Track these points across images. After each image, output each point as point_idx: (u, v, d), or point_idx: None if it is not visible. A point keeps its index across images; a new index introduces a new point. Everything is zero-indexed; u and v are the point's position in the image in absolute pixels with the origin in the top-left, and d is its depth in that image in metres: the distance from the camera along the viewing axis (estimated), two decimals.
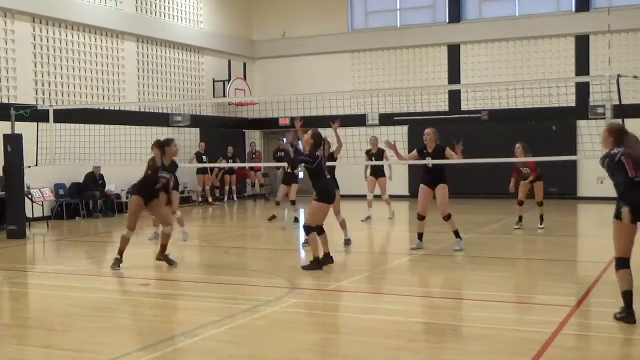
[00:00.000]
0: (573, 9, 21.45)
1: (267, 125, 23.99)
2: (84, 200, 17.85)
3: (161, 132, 17.70)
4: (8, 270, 10.29)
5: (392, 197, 16.30)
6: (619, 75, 10.75)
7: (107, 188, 18.20)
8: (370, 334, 6.33)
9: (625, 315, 6.44)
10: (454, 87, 22.17)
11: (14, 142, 13.89)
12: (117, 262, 9.99)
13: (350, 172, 15.91)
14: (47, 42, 17.68)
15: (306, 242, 10.56)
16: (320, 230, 9.61)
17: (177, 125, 20.91)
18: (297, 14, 24.49)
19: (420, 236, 11.19)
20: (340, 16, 23.99)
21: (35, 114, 14.70)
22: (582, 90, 19.28)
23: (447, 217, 10.88)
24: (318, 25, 24.06)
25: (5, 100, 16.34)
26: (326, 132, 10.39)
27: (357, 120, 21.23)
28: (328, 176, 9.83)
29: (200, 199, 21.56)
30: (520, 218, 13.87)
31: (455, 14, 22.60)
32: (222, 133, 22.84)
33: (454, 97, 22.08)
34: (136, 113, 19.77)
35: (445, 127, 16.07)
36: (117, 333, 6.72)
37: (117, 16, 19.49)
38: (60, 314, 7.40)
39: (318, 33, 24.03)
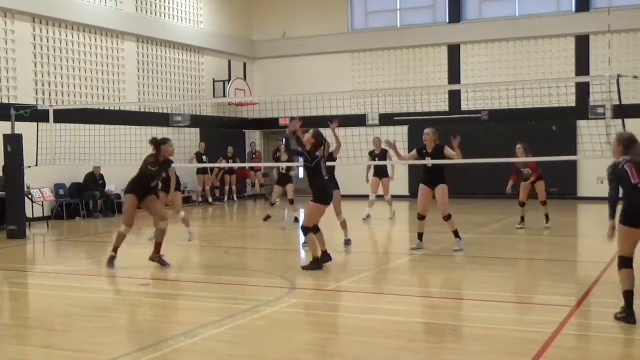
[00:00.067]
0: (573, 9, 21.45)
1: (267, 125, 23.98)
2: (84, 200, 17.85)
3: (161, 132, 17.71)
4: (8, 270, 10.29)
5: (392, 197, 16.31)
6: (619, 75, 10.75)
7: (107, 188, 18.20)
8: (370, 334, 6.33)
9: (626, 315, 6.46)
10: (454, 87, 22.17)
11: (14, 142, 13.89)
12: (112, 260, 10.00)
13: (350, 172, 15.90)
14: (47, 42, 17.68)
15: (306, 243, 10.56)
16: (315, 230, 9.62)
17: (177, 125, 20.92)
18: (297, 14, 24.49)
19: (420, 236, 11.19)
20: (340, 16, 23.99)
21: (35, 114, 14.70)
22: (582, 90, 19.28)
23: (448, 217, 10.88)
24: (318, 25, 24.06)
25: (5, 100, 16.34)
26: (326, 133, 10.38)
27: (357, 120, 21.24)
28: (326, 177, 9.83)
29: (200, 199, 21.56)
30: (523, 218, 13.89)
31: (455, 14, 22.60)
32: (222, 133, 22.84)
33: (454, 97, 22.08)
34: (136, 113, 19.77)
35: (445, 127, 16.08)
36: (117, 333, 6.73)
37: (117, 16, 19.49)
38: (60, 314, 7.40)
39: (318, 33, 24.03)
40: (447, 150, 10.82)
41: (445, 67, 22.66)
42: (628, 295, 6.49)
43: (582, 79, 20.06)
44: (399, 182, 20.02)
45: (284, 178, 15.15)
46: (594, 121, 13.44)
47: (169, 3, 21.50)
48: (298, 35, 24.31)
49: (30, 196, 15.72)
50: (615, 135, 6.92)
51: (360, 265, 10.32)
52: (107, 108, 19.00)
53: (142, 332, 6.78)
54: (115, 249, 10.08)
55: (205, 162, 20.39)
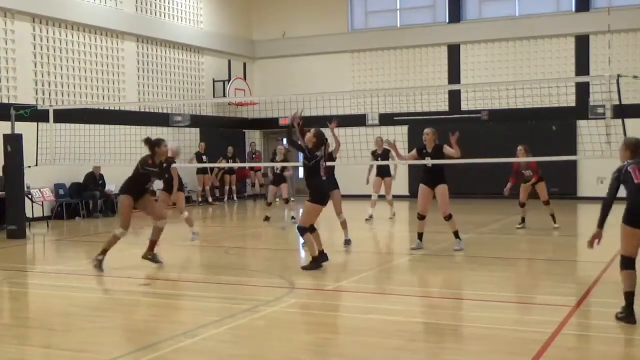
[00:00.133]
0: (573, 9, 21.45)
1: (267, 125, 23.97)
2: (84, 200, 17.85)
3: (161, 132, 17.73)
4: (8, 270, 10.29)
5: (392, 197, 16.31)
6: (619, 75, 10.75)
7: (107, 188, 18.20)
8: (370, 334, 6.33)
9: (626, 315, 6.47)
10: (454, 87, 22.18)
11: (14, 142, 13.89)
12: (100, 264, 9.74)
13: (350, 172, 15.91)
14: (47, 42, 17.68)
15: (305, 243, 10.55)
16: (312, 229, 9.62)
17: (177, 125, 20.92)
18: (297, 14, 24.49)
19: (420, 236, 11.19)
20: (340, 16, 23.99)
21: (35, 114, 14.70)
22: (582, 90, 19.28)
23: (448, 217, 10.88)
24: (318, 25, 24.06)
25: (5, 100, 16.34)
26: (325, 133, 10.37)
27: (357, 120, 21.22)
28: (324, 178, 9.82)
29: (200, 199, 21.56)
30: (523, 219, 13.89)
31: (455, 14, 22.60)
32: (222, 133, 22.84)
33: (454, 97, 22.08)
34: (136, 113, 19.77)
35: (445, 127, 15.99)
36: (117, 333, 6.73)
37: (117, 16, 19.49)
38: (60, 314, 7.40)
39: (318, 33, 24.03)
40: (446, 149, 10.81)
41: (445, 67, 22.66)
42: (629, 296, 6.50)
43: (582, 79, 20.06)
44: (399, 182, 20.00)
45: (278, 178, 15.38)
46: (594, 121, 13.46)
47: (169, 3, 21.51)
48: (298, 35, 24.31)
49: (30, 196, 15.72)
50: (623, 141, 6.94)
51: (360, 265, 10.32)
52: (107, 108, 19.00)
53: (142, 332, 6.78)
54: (104, 252, 9.84)
55: (205, 162, 20.39)
